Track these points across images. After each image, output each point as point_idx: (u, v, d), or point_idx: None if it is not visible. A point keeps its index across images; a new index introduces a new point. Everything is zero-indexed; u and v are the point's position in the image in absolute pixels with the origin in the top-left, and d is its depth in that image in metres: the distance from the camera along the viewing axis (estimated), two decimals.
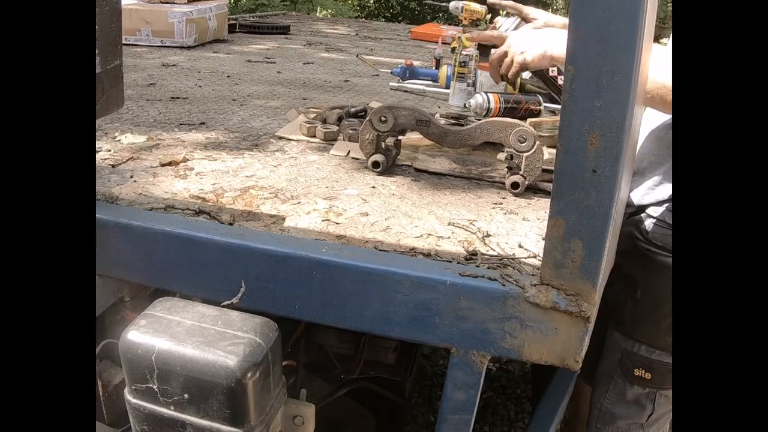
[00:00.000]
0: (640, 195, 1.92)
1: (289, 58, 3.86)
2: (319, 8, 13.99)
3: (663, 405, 2.05)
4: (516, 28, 2.47)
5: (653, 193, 1.89)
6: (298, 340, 1.85)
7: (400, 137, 1.88)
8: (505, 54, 2.07)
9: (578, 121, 1.04)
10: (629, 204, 1.94)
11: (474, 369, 1.27)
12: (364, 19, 12.38)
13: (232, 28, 4.69)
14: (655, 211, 1.89)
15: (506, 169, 1.77)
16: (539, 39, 1.98)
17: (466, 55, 2.64)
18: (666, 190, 1.86)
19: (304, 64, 3.71)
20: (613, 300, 1.95)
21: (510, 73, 2.07)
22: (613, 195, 1.07)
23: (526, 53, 1.98)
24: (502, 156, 1.85)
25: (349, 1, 15.96)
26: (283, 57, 3.90)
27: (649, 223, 1.89)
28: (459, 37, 2.75)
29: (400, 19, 14.71)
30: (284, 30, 5.07)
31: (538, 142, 1.71)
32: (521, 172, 1.72)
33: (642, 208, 1.92)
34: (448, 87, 2.82)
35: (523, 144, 1.70)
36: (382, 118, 1.78)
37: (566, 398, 2.15)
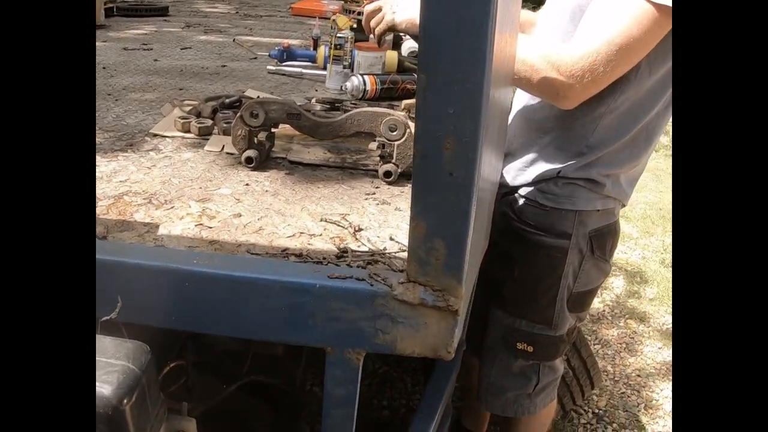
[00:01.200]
0: (512, 176, 1.97)
1: (166, 44, 3.77)
2: None
3: (547, 375, 2.13)
4: None
5: (524, 174, 1.94)
6: (185, 341, 1.85)
7: (273, 130, 1.87)
8: (379, 9, 2.08)
9: (432, 127, 1.06)
10: (503, 184, 1.99)
11: (351, 366, 1.30)
12: None
13: (109, 12, 4.54)
14: (527, 192, 1.94)
15: (379, 158, 1.79)
16: (414, 4, 1.98)
17: (341, 37, 2.64)
18: (536, 171, 1.92)
19: (182, 49, 3.64)
20: (493, 278, 2.01)
21: (377, 30, 2.09)
22: (471, 195, 1.10)
23: (396, 14, 1.99)
24: (374, 145, 1.87)
25: None
26: (160, 42, 3.81)
27: (521, 203, 1.95)
28: (334, 20, 2.75)
29: None
30: (163, 11, 4.93)
31: (408, 130, 1.73)
32: (393, 161, 1.74)
33: (514, 189, 1.97)
34: (326, 68, 2.81)
35: (394, 133, 1.72)
36: (253, 113, 1.77)
37: (454, 372, 2.21)
